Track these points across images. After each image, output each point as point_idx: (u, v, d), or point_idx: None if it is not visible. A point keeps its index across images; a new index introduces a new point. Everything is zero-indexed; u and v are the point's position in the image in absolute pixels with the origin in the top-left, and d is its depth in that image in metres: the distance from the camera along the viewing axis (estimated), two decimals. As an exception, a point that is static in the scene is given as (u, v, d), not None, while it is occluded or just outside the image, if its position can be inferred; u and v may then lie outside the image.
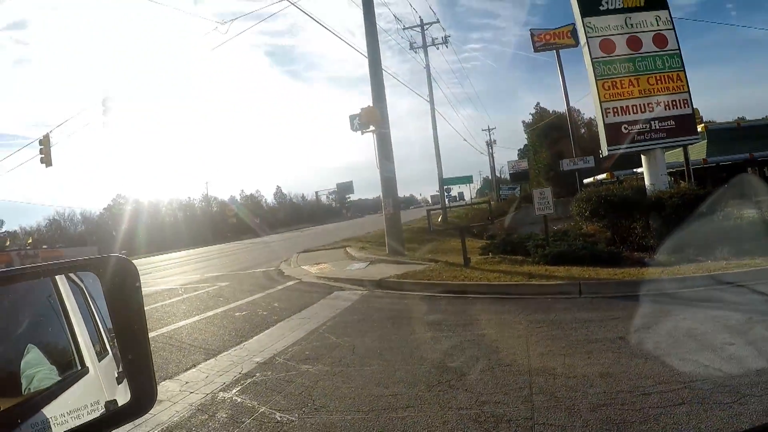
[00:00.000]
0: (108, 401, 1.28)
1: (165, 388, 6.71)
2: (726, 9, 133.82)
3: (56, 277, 1.28)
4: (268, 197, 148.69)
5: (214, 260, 33.11)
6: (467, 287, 11.74)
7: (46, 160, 25.78)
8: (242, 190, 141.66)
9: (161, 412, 5.84)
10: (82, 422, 1.21)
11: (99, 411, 1.25)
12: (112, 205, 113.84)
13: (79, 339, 1.27)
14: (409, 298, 11.79)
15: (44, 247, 74.08)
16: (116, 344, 1.32)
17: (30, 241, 75.95)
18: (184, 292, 16.61)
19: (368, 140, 19.82)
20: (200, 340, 9.29)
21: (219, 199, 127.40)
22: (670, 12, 17.11)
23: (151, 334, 7.55)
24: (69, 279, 1.30)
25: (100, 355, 1.31)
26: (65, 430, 1.17)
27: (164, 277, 24.50)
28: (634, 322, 7.56)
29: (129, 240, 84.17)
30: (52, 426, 1.15)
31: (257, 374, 7.00)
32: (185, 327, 10.57)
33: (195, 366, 7.73)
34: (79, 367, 1.27)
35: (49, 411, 1.16)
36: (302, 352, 7.96)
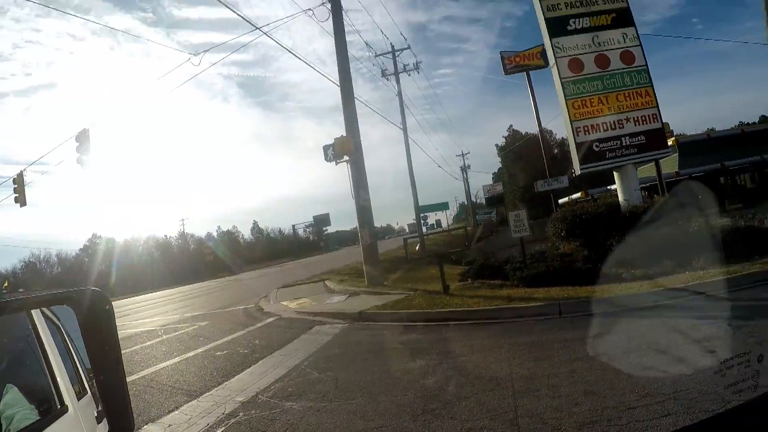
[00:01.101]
0: (88, 440, 1.27)
1: (148, 432, 6.64)
2: (691, 23, 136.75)
3: (34, 316, 1.27)
4: (245, 233, 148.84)
5: (192, 299, 32.81)
6: (447, 315, 11.72)
7: (21, 200, 25.48)
8: (219, 227, 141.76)
9: (146, 457, 5.77)
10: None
11: (79, 448, 1.24)
12: (88, 245, 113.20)
13: (58, 378, 1.26)
14: (390, 329, 11.75)
15: (20, 290, 73.00)
16: (92, 374, 1.31)
17: (6, 284, 74.86)
18: (163, 333, 16.42)
19: (343, 171, 19.93)
20: (182, 382, 9.18)
21: (196, 236, 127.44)
22: (636, 29, 17.45)
23: (131, 377, 7.50)
24: (46, 318, 1.30)
25: (80, 394, 1.30)
26: None
27: (143, 318, 24.23)
28: (615, 338, 7.60)
29: (106, 280, 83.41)
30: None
31: (240, 414, 6.93)
32: (166, 369, 10.44)
33: (177, 408, 7.63)
34: (59, 406, 1.25)
35: (29, 451, 1.14)
36: (285, 389, 7.89)
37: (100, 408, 1.30)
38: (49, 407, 1.23)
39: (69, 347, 1.31)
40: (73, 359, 1.30)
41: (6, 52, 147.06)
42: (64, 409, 1.25)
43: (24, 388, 1.16)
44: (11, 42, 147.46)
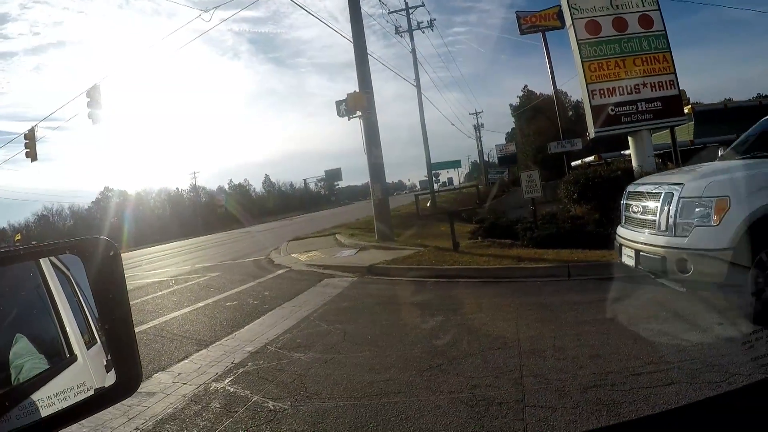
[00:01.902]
0: (97, 387, 1.29)
1: (158, 380, 6.72)
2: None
3: (42, 266, 1.28)
4: (257, 186, 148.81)
5: (204, 251, 33.03)
6: (457, 272, 11.78)
7: (32, 155, 25.56)
8: (231, 180, 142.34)
9: (155, 404, 5.85)
10: (69, 404, 1.21)
11: (86, 394, 1.26)
12: (100, 198, 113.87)
13: (68, 328, 1.28)
14: (399, 284, 11.82)
15: (33, 243, 73.71)
16: (100, 325, 1.32)
17: (18, 237, 75.60)
18: (174, 283, 16.55)
19: (355, 127, 19.83)
20: (191, 332, 9.28)
21: (208, 189, 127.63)
22: (656, -8, 17.11)
23: (142, 327, 7.59)
24: (55, 267, 1.31)
25: (89, 344, 1.31)
26: (53, 411, 1.18)
27: (154, 269, 24.41)
28: (623, 303, 7.61)
29: (118, 233, 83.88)
30: (40, 409, 1.16)
31: (249, 364, 7.01)
32: (176, 318, 10.55)
33: (187, 357, 7.73)
34: (68, 356, 1.27)
35: (37, 395, 1.16)
36: (294, 340, 7.97)
37: (109, 357, 1.32)
38: (59, 356, 1.24)
39: (79, 297, 1.32)
40: (83, 309, 1.31)
41: (14, 12, 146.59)
42: (73, 359, 1.26)
43: (33, 338, 1.18)
44: (19, 2, 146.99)
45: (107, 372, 1.31)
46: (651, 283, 7.67)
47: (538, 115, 59.98)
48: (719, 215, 5.99)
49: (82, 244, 1.38)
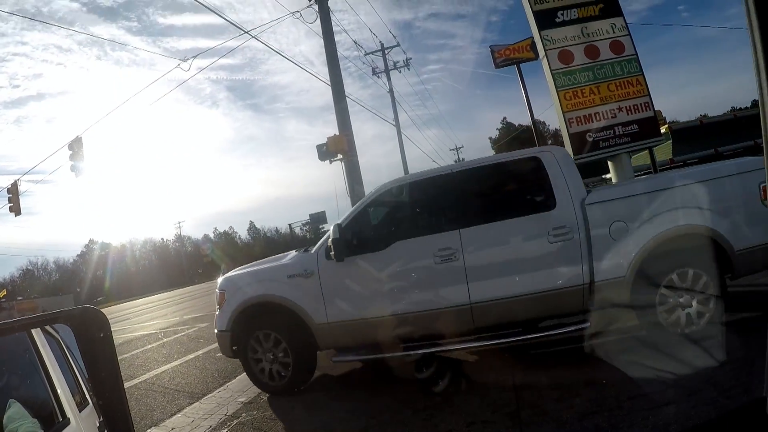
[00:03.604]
0: (92, 451, 1.28)
1: (152, 436, 6.65)
2: (677, 11, 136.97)
3: (33, 333, 1.28)
4: (242, 233, 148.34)
5: (191, 301, 32.84)
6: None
7: (15, 209, 25.39)
8: (215, 228, 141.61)
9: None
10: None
11: (83, 460, 1.25)
12: (85, 251, 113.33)
13: (59, 391, 1.27)
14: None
15: (19, 298, 73.08)
16: (92, 391, 1.32)
17: (4, 293, 74.76)
18: (163, 336, 16.44)
19: (338, 169, 19.86)
20: (183, 384, 9.19)
21: (193, 238, 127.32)
22: (624, 19, 17.40)
23: (133, 381, 7.50)
24: (45, 331, 1.31)
25: (81, 405, 1.31)
26: None
27: (142, 322, 24.25)
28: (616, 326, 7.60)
29: (104, 285, 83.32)
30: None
31: (243, 414, 6.94)
32: (167, 372, 10.45)
33: (180, 411, 7.65)
34: (61, 419, 1.26)
35: (34, 464, 1.15)
36: (287, 386, 7.90)
37: (101, 419, 1.31)
38: (52, 420, 1.24)
39: (69, 359, 1.32)
40: (73, 371, 1.31)
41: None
42: (66, 422, 1.26)
43: (26, 402, 1.17)
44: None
45: (100, 433, 1.30)
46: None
47: (518, 146, 60.54)
48: (221, 304, 7.83)
49: (70, 315, 1.36)
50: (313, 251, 7.49)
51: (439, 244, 6.82)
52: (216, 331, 7.91)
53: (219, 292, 7.96)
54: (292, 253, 8.32)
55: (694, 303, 6.34)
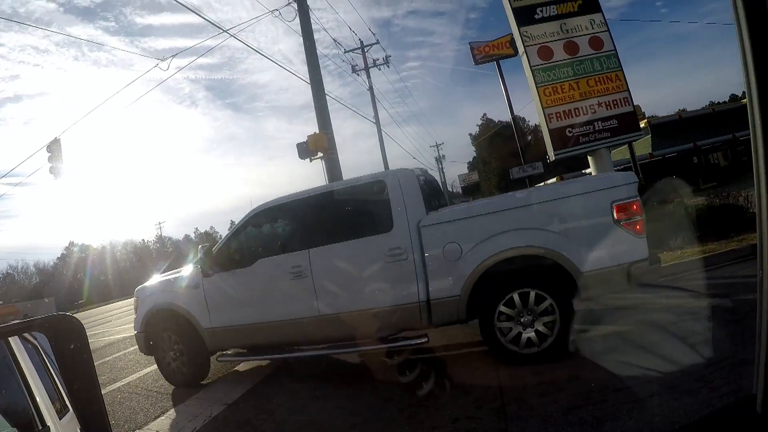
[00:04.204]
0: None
1: (135, 439, 6.59)
2: (655, 6, 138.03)
3: (11, 341, 1.26)
4: (223, 233, 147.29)
5: (174, 302, 32.55)
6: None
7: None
8: (196, 228, 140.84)
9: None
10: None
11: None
12: (65, 254, 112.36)
13: (38, 398, 1.25)
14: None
15: (-1, 324, 72.31)
16: (69, 399, 1.30)
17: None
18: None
19: (318, 167, 19.77)
20: (167, 386, 9.08)
21: (174, 239, 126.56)
22: (603, 15, 17.55)
23: (116, 384, 7.43)
24: (22, 338, 1.28)
25: (61, 412, 1.29)
26: None
27: (124, 324, 23.99)
28: (600, 322, 7.62)
29: (83, 288, 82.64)
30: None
31: (227, 416, 6.90)
32: (150, 374, 10.33)
33: (164, 413, 7.58)
34: (40, 427, 1.24)
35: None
36: (274, 387, 7.87)
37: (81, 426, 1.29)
38: (31, 428, 1.21)
39: (47, 366, 1.30)
40: (53, 377, 1.29)
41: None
42: (45, 430, 1.23)
43: (4, 410, 1.15)
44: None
45: (81, 440, 1.28)
46: (626, 299, 7.73)
47: (498, 142, 60.83)
48: (136, 309, 9.40)
49: (45, 323, 1.34)
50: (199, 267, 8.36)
51: (292, 262, 7.53)
52: (135, 332, 9.24)
53: (135, 299, 9.44)
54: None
55: (536, 324, 6.39)
